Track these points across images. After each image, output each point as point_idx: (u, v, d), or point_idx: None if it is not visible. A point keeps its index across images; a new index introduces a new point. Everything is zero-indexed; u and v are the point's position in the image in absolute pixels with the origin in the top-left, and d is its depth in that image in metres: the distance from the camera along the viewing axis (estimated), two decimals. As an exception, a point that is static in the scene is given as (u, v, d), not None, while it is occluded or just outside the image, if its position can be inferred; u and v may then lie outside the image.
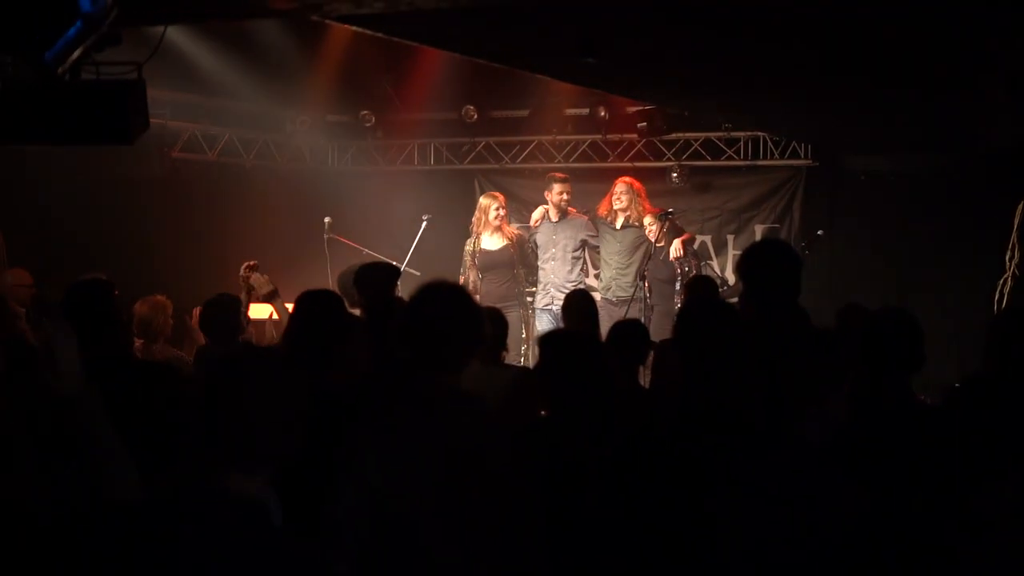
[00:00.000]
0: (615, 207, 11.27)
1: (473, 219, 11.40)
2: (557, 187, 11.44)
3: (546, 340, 4.68)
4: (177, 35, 9.77)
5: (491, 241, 11.20)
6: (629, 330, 6.55)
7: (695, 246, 11.82)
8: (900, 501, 3.72)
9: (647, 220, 10.91)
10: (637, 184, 11.41)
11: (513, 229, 11.42)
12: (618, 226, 11.24)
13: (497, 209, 11.13)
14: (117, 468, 3.63)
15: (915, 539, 3.56)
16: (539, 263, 11.41)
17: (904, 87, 8.76)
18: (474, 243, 11.23)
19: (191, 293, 8.97)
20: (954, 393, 3.84)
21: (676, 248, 10.72)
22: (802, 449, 3.61)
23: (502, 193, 12.29)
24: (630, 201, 11.18)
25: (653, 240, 10.85)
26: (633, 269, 10.96)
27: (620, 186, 11.33)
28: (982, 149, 7.22)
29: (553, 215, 11.45)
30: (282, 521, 3.08)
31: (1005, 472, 3.52)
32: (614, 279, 11.21)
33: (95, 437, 3.62)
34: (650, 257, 10.79)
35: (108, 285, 5.25)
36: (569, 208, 11.46)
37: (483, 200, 11.43)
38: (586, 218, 11.53)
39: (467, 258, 11.30)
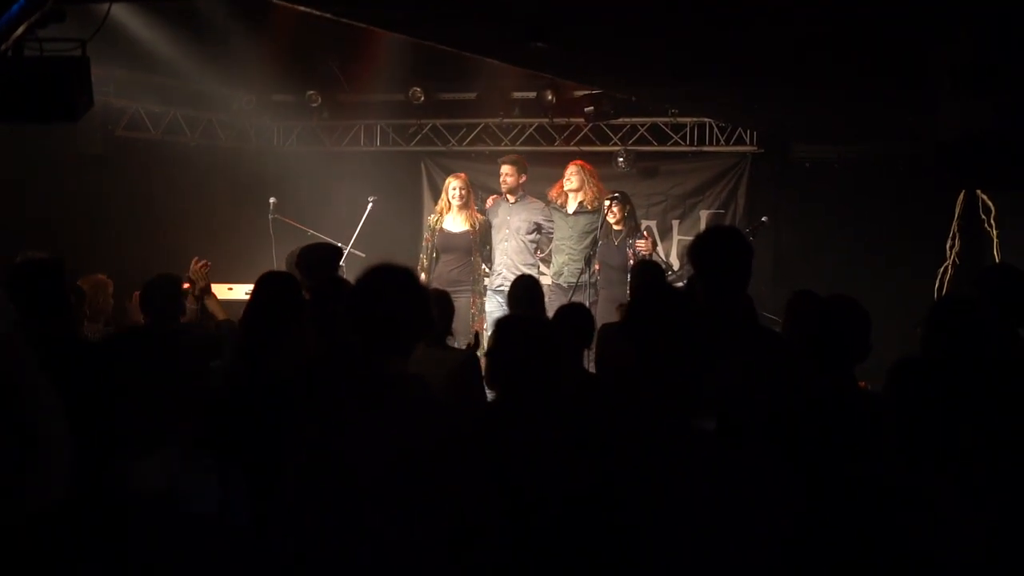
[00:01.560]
0: (566, 188, 11.27)
1: (439, 198, 11.45)
2: (502, 168, 11.46)
3: (501, 324, 4.68)
4: (122, 12, 9.64)
5: (454, 222, 11.21)
6: (574, 313, 6.58)
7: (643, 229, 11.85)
8: (842, 488, 3.76)
9: (607, 202, 10.86)
10: (589, 167, 11.42)
11: (479, 215, 11.39)
12: (570, 211, 11.22)
13: (456, 188, 11.13)
14: (45, 418, 3.58)
15: (858, 526, 3.60)
16: (493, 243, 11.41)
17: (849, 77, 8.84)
18: (437, 220, 11.22)
19: (132, 272, 8.88)
20: (890, 379, 3.89)
21: (646, 245, 10.65)
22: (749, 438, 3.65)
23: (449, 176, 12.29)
24: (581, 183, 11.17)
25: (612, 222, 10.81)
26: (584, 254, 10.94)
27: (571, 168, 11.34)
28: (927, 140, 7.28)
29: (509, 197, 11.46)
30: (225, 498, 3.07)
31: (945, 456, 3.58)
32: (565, 264, 11.17)
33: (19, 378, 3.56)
34: (599, 242, 10.77)
35: (57, 264, 5.16)
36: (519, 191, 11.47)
37: (448, 179, 11.49)
38: (542, 203, 11.53)
39: (427, 232, 11.31)
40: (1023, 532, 3.60)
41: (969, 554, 3.48)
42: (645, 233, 11.01)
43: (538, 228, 11.46)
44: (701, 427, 3.67)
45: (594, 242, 10.83)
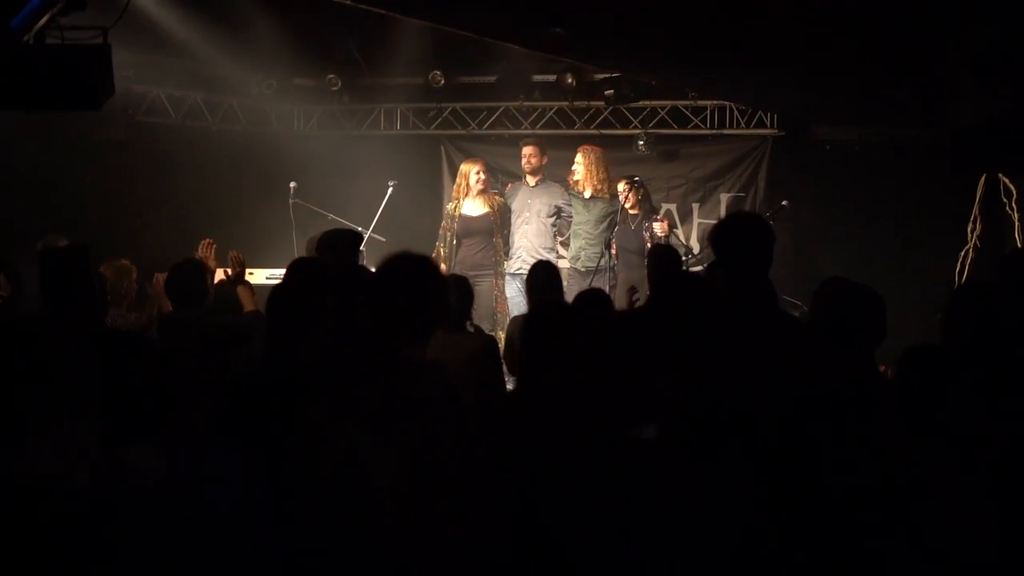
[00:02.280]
0: (573, 178, 11.28)
1: (455, 185, 11.41)
2: (523, 151, 11.47)
3: (533, 313, 4.68)
4: (142, -2, 9.70)
5: (473, 207, 11.18)
6: (593, 299, 6.58)
7: (662, 214, 11.84)
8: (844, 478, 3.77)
9: (620, 186, 10.83)
10: (598, 150, 11.39)
11: (497, 197, 11.40)
12: (587, 196, 11.22)
13: (477, 173, 11.11)
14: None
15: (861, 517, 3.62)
16: (512, 228, 11.41)
17: (867, 65, 8.80)
18: (455, 207, 11.22)
19: (154, 257, 8.92)
20: (899, 366, 3.90)
21: (662, 227, 10.63)
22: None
23: (478, 158, 12.29)
24: (586, 172, 11.16)
25: (628, 207, 10.79)
26: (602, 238, 10.93)
27: (577, 156, 11.34)
28: (948, 127, 7.26)
29: (530, 180, 11.46)
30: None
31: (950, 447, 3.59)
32: (583, 249, 11.15)
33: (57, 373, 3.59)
34: (616, 226, 10.76)
35: (82, 250, 5.16)
36: (541, 173, 11.48)
37: (463, 166, 11.44)
38: (561, 187, 11.53)
39: (445, 221, 11.30)
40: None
41: (973, 550, 3.48)
42: (661, 216, 10.99)
43: (558, 212, 11.44)
44: (638, 435, 3.69)
45: (611, 226, 10.82)
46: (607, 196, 11.04)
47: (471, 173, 11.15)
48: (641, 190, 10.81)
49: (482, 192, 11.13)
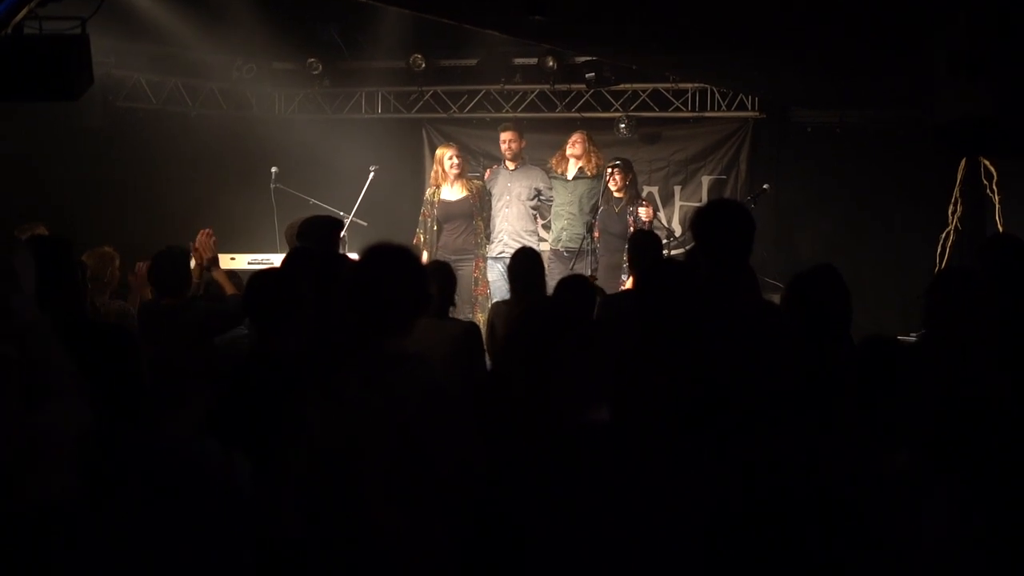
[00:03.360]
0: (568, 152, 11.28)
1: (432, 172, 11.41)
2: (501, 136, 11.48)
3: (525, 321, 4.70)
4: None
5: (451, 192, 11.21)
6: (575, 285, 6.60)
7: (643, 196, 11.86)
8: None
9: (609, 169, 10.81)
10: (591, 138, 11.44)
11: (476, 180, 11.42)
12: (569, 176, 11.23)
13: (451, 158, 11.13)
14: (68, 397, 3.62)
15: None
16: (493, 212, 11.42)
17: (847, 51, 8.82)
18: (434, 193, 11.22)
19: (135, 243, 8.89)
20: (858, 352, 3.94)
21: (647, 213, 10.65)
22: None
23: (450, 142, 12.27)
24: (584, 150, 11.19)
25: (613, 189, 10.80)
26: (583, 220, 10.95)
27: (576, 135, 11.38)
28: (927, 118, 7.29)
29: (509, 164, 11.47)
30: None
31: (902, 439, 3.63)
32: (564, 229, 11.17)
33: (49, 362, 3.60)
34: (600, 208, 10.77)
35: (66, 244, 5.10)
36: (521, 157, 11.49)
37: (437, 151, 11.48)
38: (541, 170, 11.54)
39: (425, 207, 11.31)
40: (991, 522, 3.63)
41: (936, 542, 3.52)
42: (646, 201, 11.02)
43: (538, 194, 11.46)
44: (593, 418, 3.73)
45: (594, 208, 10.84)
46: (592, 176, 11.06)
47: (444, 158, 11.18)
48: (630, 174, 10.83)
49: (459, 176, 11.15)
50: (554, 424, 3.78)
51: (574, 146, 11.27)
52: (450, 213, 11.18)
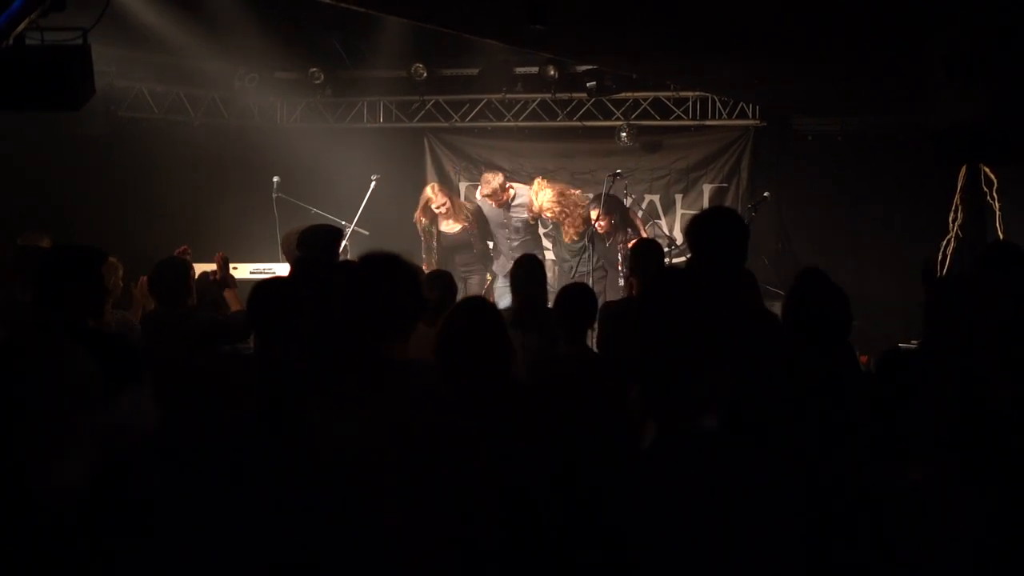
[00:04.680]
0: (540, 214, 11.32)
1: (419, 208, 11.43)
2: (483, 196, 11.51)
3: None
4: (122, -6, 9.67)
5: (448, 226, 11.32)
6: (577, 292, 6.60)
7: (643, 206, 11.88)
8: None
9: (593, 213, 10.82)
10: (558, 186, 11.32)
11: (467, 205, 11.46)
12: (564, 238, 11.31)
13: (439, 208, 11.20)
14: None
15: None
16: (495, 236, 11.54)
17: (846, 57, 8.84)
18: (430, 225, 11.28)
19: (137, 253, 8.91)
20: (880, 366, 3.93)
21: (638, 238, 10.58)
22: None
23: (452, 151, 12.32)
24: (564, 218, 11.11)
25: (601, 233, 10.84)
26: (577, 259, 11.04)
27: (542, 195, 11.19)
28: (925, 128, 7.32)
29: (494, 205, 11.50)
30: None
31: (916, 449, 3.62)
32: (556, 264, 11.45)
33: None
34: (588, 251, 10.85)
35: (100, 254, 5.06)
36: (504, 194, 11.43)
37: (422, 195, 11.44)
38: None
39: (423, 236, 11.39)
40: (1005, 529, 3.62)
41: (950, 547, 3.52)
42: (638, 220, 11.08)
43: (538, 217, 11.47)
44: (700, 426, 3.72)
45: (583, 249, 10.91)
46: (576, 240, 11.10)
47: (431, 206, 11.25)
48: (612, 214, 10.82)
49: (448, 213, 11.20)
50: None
51: (545, 211, 11.18)
52: (453, 244, 11.38)
